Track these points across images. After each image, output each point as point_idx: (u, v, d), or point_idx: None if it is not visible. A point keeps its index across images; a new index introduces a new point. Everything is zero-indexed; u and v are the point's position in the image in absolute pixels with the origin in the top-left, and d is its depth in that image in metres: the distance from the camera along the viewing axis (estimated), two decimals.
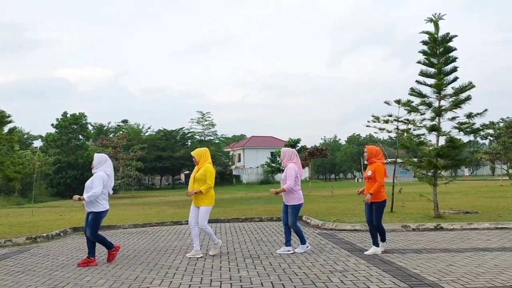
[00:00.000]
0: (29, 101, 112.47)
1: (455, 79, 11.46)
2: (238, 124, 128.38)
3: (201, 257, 7.16)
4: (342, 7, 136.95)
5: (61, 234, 10.84)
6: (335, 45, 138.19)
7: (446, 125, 11.84)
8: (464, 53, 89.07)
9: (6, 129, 14.38)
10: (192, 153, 7.37)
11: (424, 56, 11.70)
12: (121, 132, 54.93)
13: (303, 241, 7.44)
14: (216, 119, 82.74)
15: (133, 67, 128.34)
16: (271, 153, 59.00)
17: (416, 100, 11.82)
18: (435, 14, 11.49)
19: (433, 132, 11.73)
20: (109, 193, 7.09)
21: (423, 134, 12.13)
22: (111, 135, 48.80)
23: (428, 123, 11.77)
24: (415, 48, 11.71)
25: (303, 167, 37.29)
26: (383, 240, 7.22)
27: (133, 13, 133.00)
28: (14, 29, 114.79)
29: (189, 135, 60.00)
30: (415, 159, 13.55)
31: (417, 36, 11.72)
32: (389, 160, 18.72)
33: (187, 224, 7.66)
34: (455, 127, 11.58)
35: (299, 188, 7.37)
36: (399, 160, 15.80)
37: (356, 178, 67.30)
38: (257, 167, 61.50)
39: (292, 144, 38.23)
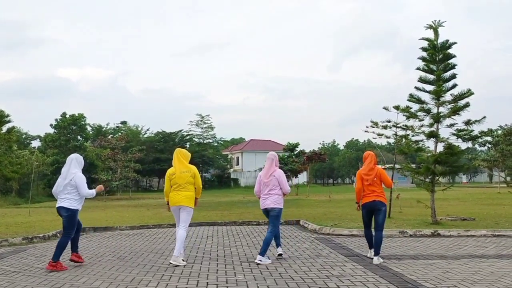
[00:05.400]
0: (28, 100, 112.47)
1: (454, 86, 11.51)
2: (238, 126, 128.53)
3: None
4: (344, 11, 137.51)
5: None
6: (336, 49, 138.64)
7: (444, 131, 11.89)
8: (464, 59, 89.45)
9: (4, 128, 14.40)
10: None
11: (424, 63, 11.74)
12: (119, 133, 54.91)
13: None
14: (216, 121, 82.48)
15: (134, 67, 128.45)
16: None
17: (415, 106, 11.88)
18: (435, 21, 11.56)
19: (432, 139, 11.76)
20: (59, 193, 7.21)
21: (421, 140, 12.16)
22: (109, 136, 48.77)
23: (427, 129, 11.81)
24: (416, 54, 11.76)
25: (302, 171, 37.36)
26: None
27: (135, 14, 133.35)
28: (17, 27, 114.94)
29: (187, 137, 60.02)
30: (413, 165, 13.56)
31: (418, 41, 11.78)
32: (387, 165, 18.75)
33: None
34: (454, 134, 11.61)
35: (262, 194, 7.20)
36: (397, 166, 15.83)
37: (354, 183, 67.27)
38: (255, 170, 61.54)
39: (291, 148, 38.16)
